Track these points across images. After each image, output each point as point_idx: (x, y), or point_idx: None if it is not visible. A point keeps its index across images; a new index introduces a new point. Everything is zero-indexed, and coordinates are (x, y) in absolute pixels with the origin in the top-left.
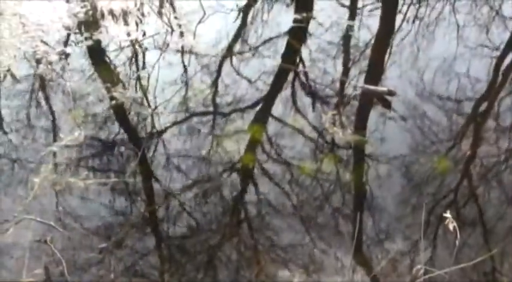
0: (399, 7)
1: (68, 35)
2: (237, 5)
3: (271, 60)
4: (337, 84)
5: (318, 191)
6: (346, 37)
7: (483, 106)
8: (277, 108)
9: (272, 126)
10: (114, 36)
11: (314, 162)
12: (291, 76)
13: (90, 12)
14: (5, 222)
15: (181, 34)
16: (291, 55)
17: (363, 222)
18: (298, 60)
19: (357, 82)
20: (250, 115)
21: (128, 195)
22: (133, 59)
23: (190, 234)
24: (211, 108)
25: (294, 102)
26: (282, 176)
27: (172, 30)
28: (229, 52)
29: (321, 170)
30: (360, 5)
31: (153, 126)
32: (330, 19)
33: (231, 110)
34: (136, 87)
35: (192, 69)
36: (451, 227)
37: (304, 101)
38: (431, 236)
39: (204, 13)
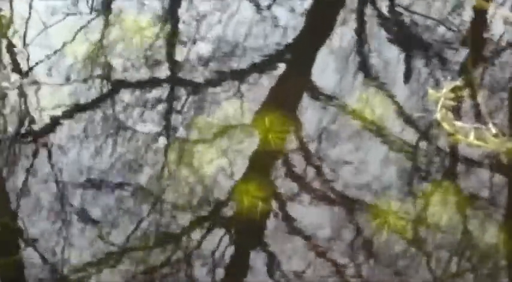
0: None
1: None
2: None
3: None
4: (466, 25)
5: (420, 271)
6: None
7: None
8: (324, 74)
9: (311, 117)
10: None
11: (409, 199)
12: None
13: None
14: None
15: None
16: None
17: None
18: None
19: (509, 18)
20: (258, 91)
21: None
22: None
23: None
24: (164, 72)
25: (363, 60)
26: (335, 232)
27: None
28: None
29: (426, 218)
30: None
31: (26, 113)
32: None
33: (214, 76)
34: None
35: None
36: None
37: (387, 58)
38: None
39: None
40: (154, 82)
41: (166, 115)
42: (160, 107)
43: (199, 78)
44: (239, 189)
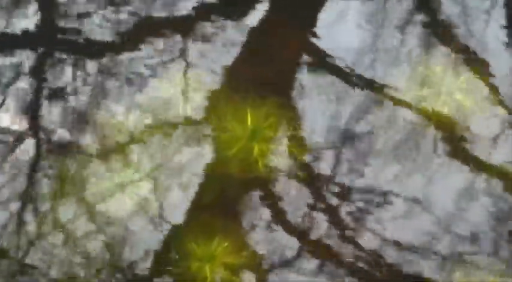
0: None
1: None
2: None
3: None
4: None
5: None
6: None
7: None
8: (344, 27)
9: (321, 108)
10: None
11: None
12: None
13: None
14: None
15: None
16: None
17: None
18: None
19: None
20: (220, 55)
21: None
22: None
23: None
24: (34, 18)
25: (425, 8)
26: None
27: None
28: None
29: None
30: None
31: None
32: None
33: (136, 28)
34: None
35: None
36: None
37: (470, 6)
38: None
39: None
40: (14, 39)
41: (36, 102)
42: (25, 85)
43: (106, 33)
44: (181, 248)
